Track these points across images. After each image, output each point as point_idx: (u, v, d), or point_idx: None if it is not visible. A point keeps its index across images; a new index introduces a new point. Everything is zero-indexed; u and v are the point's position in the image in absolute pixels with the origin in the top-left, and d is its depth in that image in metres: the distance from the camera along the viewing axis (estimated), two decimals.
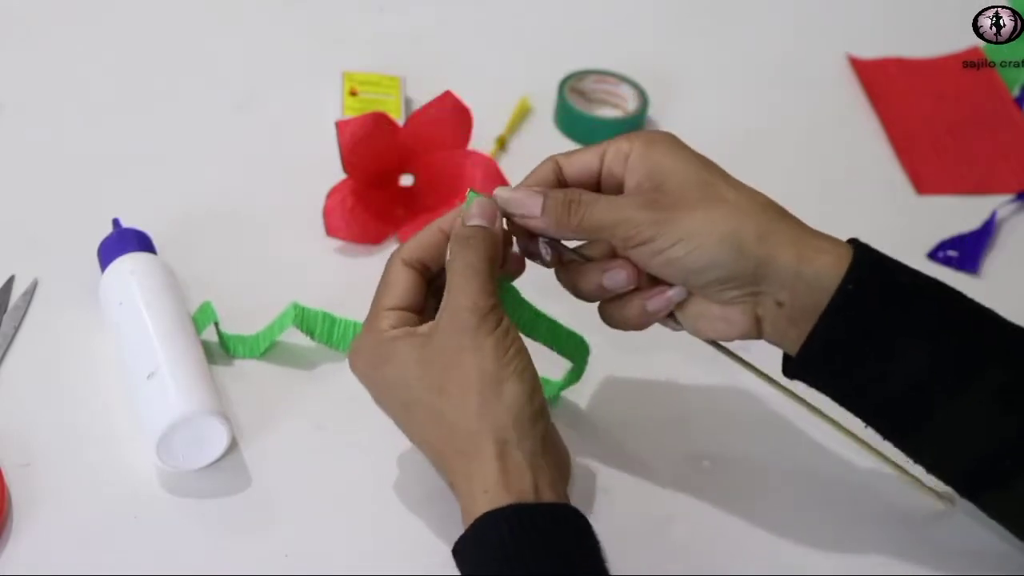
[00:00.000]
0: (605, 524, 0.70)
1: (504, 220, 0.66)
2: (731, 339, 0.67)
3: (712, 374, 0.79)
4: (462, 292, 0.63)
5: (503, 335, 0.63)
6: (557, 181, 0.67)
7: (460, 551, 0.62)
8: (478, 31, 1.08)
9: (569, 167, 0.67)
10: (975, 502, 0.67)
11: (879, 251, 0.65)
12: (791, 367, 0.66)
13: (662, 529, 0.72)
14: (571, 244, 0.68)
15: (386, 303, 0.66)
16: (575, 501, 0.70)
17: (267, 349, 0.77)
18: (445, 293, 0.65)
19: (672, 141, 0.65)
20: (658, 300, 0.66)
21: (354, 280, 0.83)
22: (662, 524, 0.72)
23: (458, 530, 0.62)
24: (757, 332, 0.65)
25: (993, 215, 0.94)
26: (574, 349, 0.75)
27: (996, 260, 0.93)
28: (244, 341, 0.77)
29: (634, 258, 0.65)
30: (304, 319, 0.76)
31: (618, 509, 0.72)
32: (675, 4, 1.14)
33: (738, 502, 0.73)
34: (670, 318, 0.68)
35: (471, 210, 0.66)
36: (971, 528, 0.72)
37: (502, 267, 0.67)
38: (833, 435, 0.73)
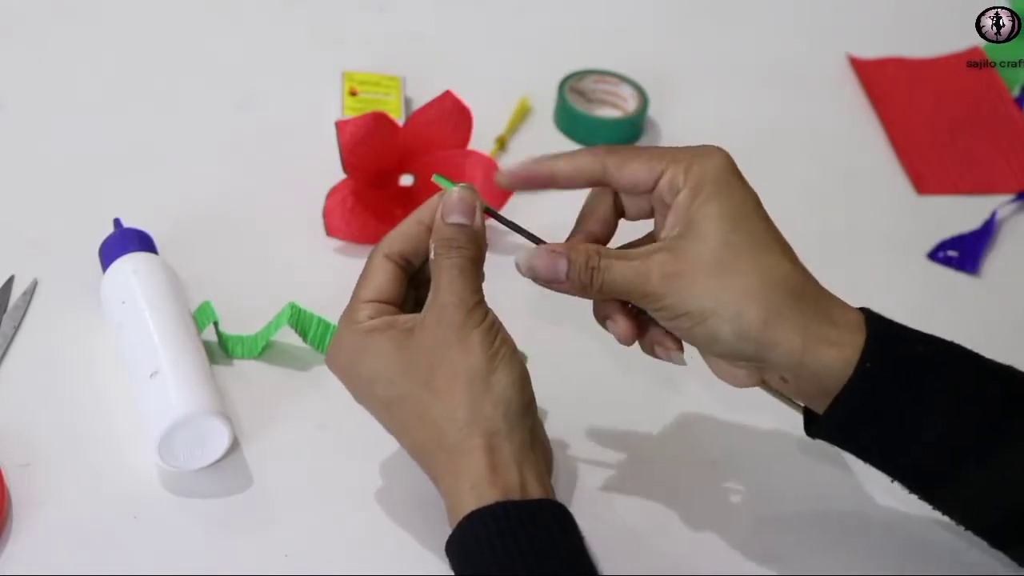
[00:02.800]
0: (604, 524, 0.70)
1: (482, 214, 0.66)
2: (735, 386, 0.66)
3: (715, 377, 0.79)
4: (448, 289, 0.63)
5: (489, 328, 0.63)
6: (615, 208, 0.66)
7: (450, 549, 0.62)
8: (478, 31, 1.08)
9: (617, 176, 0.64)
10: (1007, 553, 0.66)
11: (893, 321, 0.63)
12: (812, 431, 0.66)
13: (661, 530, 0.72)
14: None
15: (364, 295, 0.66)
16: (574, 502, 0.71)
17: (264, 348, 0.77)
18: (431, 291, 0.65)
19: (724, 183, 0.62)
20: (663, 352, 0.67)
21: (354, 280, 0.83)
22: (661, 525, 0.72)
23: None
24: (763, 385, 0.66)
25: (993, 215, 0.94)
26: None
27: (996, 260, 0.93)
28: (242, 341, 0.77)
29: (649, 314, 0.64)
30: (299, 319, 0.76)
31: (617, 509, 0.72)
32: (675, 4, 1.14)
33: (738, 503, 0.73)
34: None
35: (450, 206, 0.65)
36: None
37: None
38: None
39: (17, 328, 0.78)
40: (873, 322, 0.63)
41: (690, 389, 0.79)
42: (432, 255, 0.65)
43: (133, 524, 0.69)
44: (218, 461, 0.71)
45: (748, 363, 0.64)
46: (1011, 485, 0.63)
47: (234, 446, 0.72)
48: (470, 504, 0.61)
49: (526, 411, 0.64)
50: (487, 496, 0.61)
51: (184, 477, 0.71)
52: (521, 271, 0.64)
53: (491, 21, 1.10)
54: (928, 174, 0.99)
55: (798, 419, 0.77)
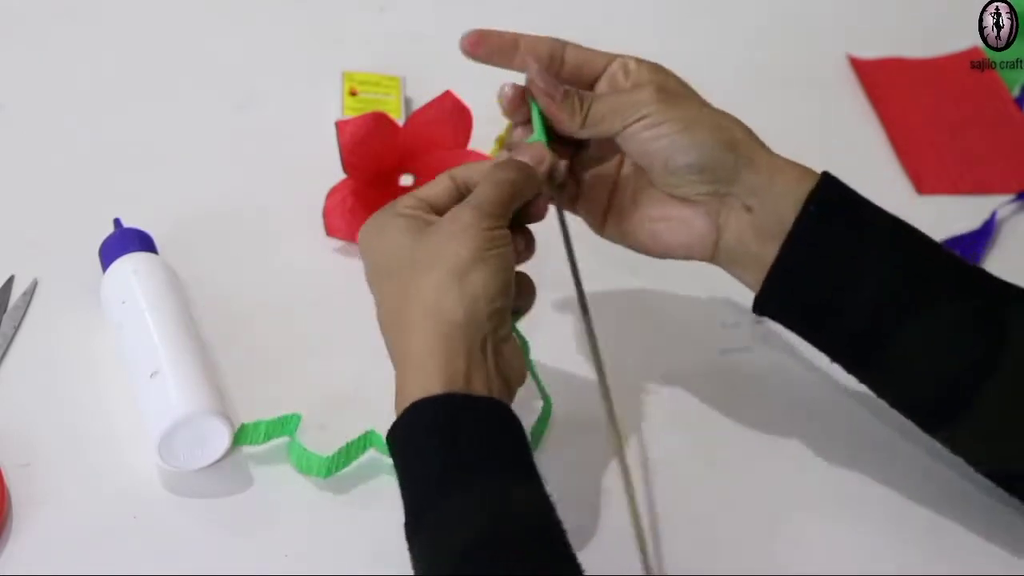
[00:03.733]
0: (605, 524, 0.70)
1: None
2: (686, 249, 0.69)
3: (715, 373, 0.79)
4: (477, 195, 0.66)
5: (493, 237, 0.65)
6: (550, 59, 0.72)
7: (388, 440, 0.64)
8: None
9: (572, 55, 0.72)
10: (936, 437, 0.68)
11: (845, 183, 0.68)
12: (757, 300, 0.68)
13: (662, 529, 0.72)
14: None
15: (416, 193, 0.69)
16: (574, 499, 0.71)
17: (332, 471, 0.72)
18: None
19: (671, 73, 0.72)
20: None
21: (354, 280, 0.83)
22: (662, 524, 0.72)
23: None
24: (712, 246, 0.69)
25: (993, 215, 0.94)
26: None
27: (996, 260, 0.92)
28: (318, 461, 0.71)
29: (626, 138, 0.68)
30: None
31: (618, 509, 0.72)
32: (675, 4, 1.14)
33: (739, 502, 0.73)
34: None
35: (522, 147, 0.70)
36: None
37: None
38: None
39: (17, 328, 0.78)
40: (827, 174, 0.68)
41: (689, 386, 0.79)
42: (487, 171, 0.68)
43: (133, 524, 0.69)
44: (218, 461, 0.71)
45: (717, 185, 0.67)
46: (938, 352, 0.65)
47: (234, 446, 0.72)
48: (414, 382, 0.62)
49: (493, 315, 0.64)
50: (431, 378, 0.62)
51: (184, 477, 0.71)
52: (530, 72, 0.72)
53: (491, 21, 1.09)
54: (928, 174, 0.99)
55: (798, 419, 0.77)
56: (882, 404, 0.78)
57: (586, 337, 0.69)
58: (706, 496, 0.73)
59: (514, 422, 0.63)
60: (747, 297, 0.83)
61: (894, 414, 0.77)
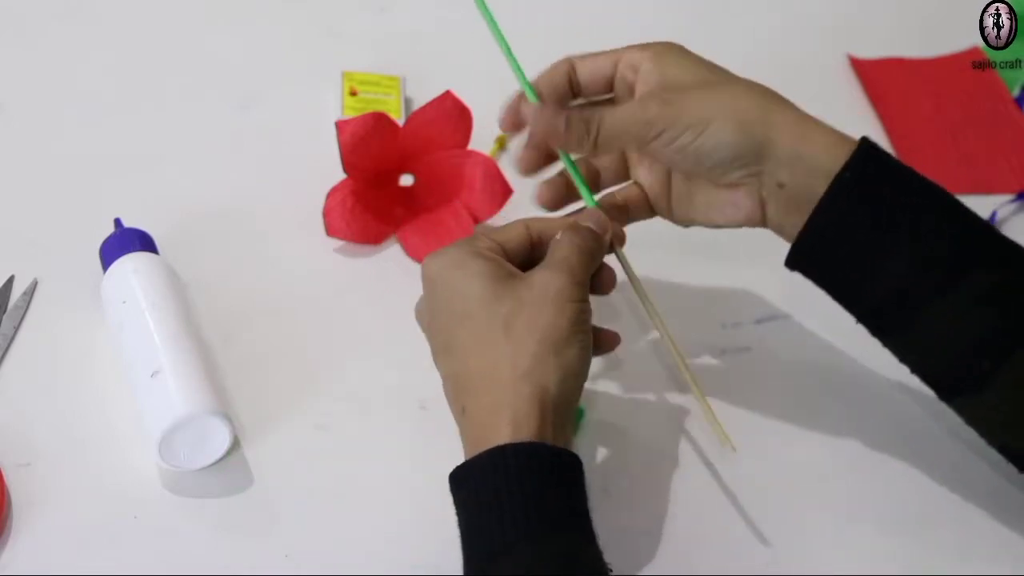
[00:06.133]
0: (605, 524, 0.70)
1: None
2: (738, 224, 0.70)
3: (715, 374, 0.79)
4: (565, 261, 0.67)
5: (583, 310, 0.66)
6: (569, 81, 0.72)
7: (464, 475, 0.63)
8: (478, 31, 1.08)
9: (583, 68, 0.72)
10: (953, 405, 0.68)
11: (885, 150, 0.67)
12: (790, 258, 0.69)
13: (662, 530, 0.72)
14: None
15: (491, 235, 0.69)
16: None
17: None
18: (545, 261, 0.67)
19: (681, 51, 0.70)
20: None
21: (354, 280, 0.84)
22: (662, 524, 0.72)
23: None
24: (762, 217, 0.69)
25: (993, 215, 0.94)
26: None
27: None
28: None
29: (651, 154, 0.69)
30: None
31: (618, 509, 0.72)
32: (674, 4, 1.14)
33: (738, 502, 0.73)
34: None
35: (587, 216, 0.70)
36: None
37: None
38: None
39: (17, 328, 0.78)
40: (866, 140, 0.67)
41: (689, 390, 0.79)
42: (557, 236, 0.68)
43: (133, 524, 0.69)
44: (218, 461, 0.71)
45: (748, 169, 0.67)
46: (964, 325, 0.65)
47: (234, 446, 0.72)
48: (506, 437, 0.62)
49: (577, 391, 0.66)
50: (524, 435, 0.62)
51: (184, 477, 0.71)
52: (526, 119, 0.71)
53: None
54: (928, 174, 0.98)
55: (798, 418, 0.77)
56: (881, 405, 0.78)
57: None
58: (705, 496, 0.73)
59: (584, 480, 0.64)
60: (747, 297, 0.83)
61: (893, 415, 0.77)
